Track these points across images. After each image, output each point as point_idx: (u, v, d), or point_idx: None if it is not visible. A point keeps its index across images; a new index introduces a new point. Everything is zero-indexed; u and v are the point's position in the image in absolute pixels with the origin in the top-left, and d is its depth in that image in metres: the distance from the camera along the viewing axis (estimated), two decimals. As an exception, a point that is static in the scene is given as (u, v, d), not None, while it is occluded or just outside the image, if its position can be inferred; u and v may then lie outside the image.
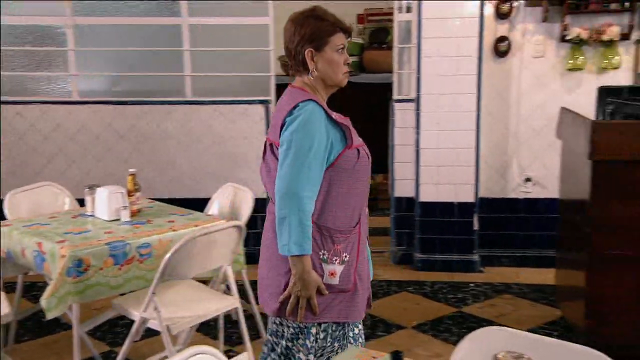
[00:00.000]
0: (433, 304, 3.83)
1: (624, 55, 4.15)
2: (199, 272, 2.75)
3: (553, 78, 4.29)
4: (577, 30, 4.06)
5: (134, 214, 3.00)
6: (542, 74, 4.30)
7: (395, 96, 4.48)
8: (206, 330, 3.37)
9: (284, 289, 1.97)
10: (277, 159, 1.94)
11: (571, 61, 4.18)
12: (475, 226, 4.36)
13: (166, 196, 4.25)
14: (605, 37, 4.02)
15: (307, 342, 1.99)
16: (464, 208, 4.35)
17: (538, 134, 4.37)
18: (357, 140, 1.99)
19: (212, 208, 3.41)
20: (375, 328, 3.50)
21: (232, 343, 3.28)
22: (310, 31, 1.95)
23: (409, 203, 4.50)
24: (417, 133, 4.30)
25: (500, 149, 4.46)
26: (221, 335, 3.07)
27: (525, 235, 4.52)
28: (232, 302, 2.82)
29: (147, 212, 3.12)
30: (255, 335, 3.31)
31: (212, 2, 4.48)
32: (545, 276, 4.06)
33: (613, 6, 3.99)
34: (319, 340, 1.99)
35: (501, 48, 4.25)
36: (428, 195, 4.37)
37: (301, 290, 1.92)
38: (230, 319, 3.11)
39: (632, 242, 2.85)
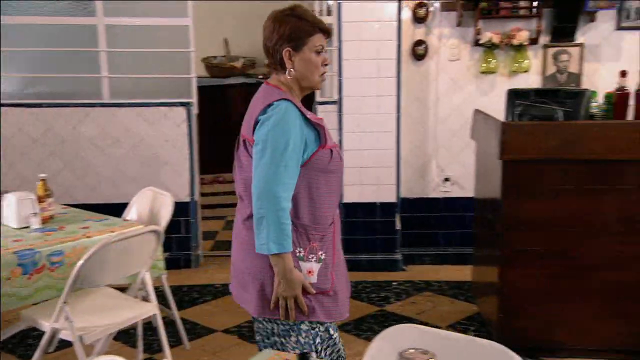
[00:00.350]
0: (357, 303, 3.88)
1: (533, 59, 4.34)
2: (114, 279, 2.68)
3: (468, 81, 4.44)
4: (489, 34, 4.21)
5: (45, 220, 2.89)
6: (458, 76, 4.44)
7: (318, 98, 4.51)
8: (125, 338, 3.28)
9: (263, 289, 1.96)
10: (250, 155, 1.93)
11: (484, 64, 4.34)
12: (398, 226, 4.45)
13: (85, 202, 4.12)
14: (515, 42, 4.19)
15: (300, 338, 1.99)
16: (387, 208, 4.43)
17: (455, 134, 4.51)
18: (331, 140, 1.99)
19: (131, 213, 3.33)
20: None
21: (152, 351, 3.21)
22: (289, 30, 1.93)
23: (332, 204, 4.53)
24: (340, 135, 4.35)
25: (420, 150, 4.57)
26: (140, 343, 3.00)
27: (445, 233, 4.65)
28: (150, 309, 2.76)
29: (60, 218, 3.01)
30: (176, 342, 3.25)
31: (130, 2, 4.38)
32: (464, 273, 4.18)
33: (522, 12, 4.16)
34: (310, 336, 1.99)
35: (419, 51, 4.36)
36: (352, 196, 4.42)
37: (286, 289, 1.91)
38: (151, 326, 3.05)
39: (540, 238, 2.99)
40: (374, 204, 4.44)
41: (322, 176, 1.96)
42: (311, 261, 1.95)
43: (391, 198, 4.42)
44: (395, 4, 4.13)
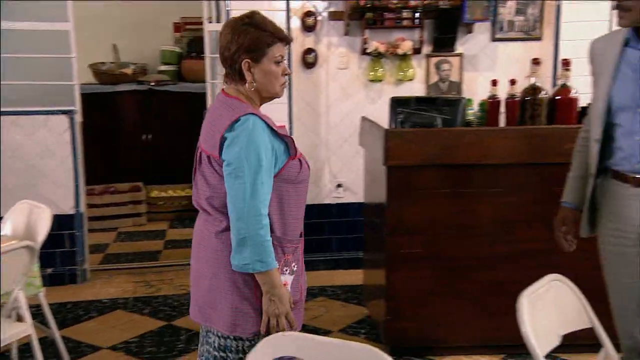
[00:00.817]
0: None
1: (417, 68, 4.51)
2: (-18, 300, 2.51)
3: (357, 89, 4.54)
4: (375, 44, 4.34)
5: None
6: (347, 84, 4.53)
7: (209, 106, 4.45)
8: (0, 362, 3.08)
9: (236, 306, 1.89)
10: (217, 173, 1.86)
11: (372, 73, 4.46)
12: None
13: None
14: (400, 51, 4.34)
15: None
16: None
17: (346, 141, 4.59)
18: (298, 150, 1.94)
19: (5, 228, 3.13)
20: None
21: (30, 373, 3.03)
22: (248, 41, 1.86)
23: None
24: (231, 143, 4.31)
25: (313, 157, 4.62)
26: (15, 366, 2.83)
27: (339, 238, 4.72)
28: (25, 329, 2.61)
29: None
30: (56, 362, 3.10)
31: (11, 3, 4.14)
32: (357, 277, 4.26)
33: (405, 23, 4.31)
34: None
35: (309, 59, 4.42)
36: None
37: (278, 307, 1.86)
38: (29, 347, 2.88)
39: (421, 241, 3.10)
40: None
41: (291, 187, 1.92)
42: (286, 274, 1.92)
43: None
44: (284, 13, 4.16)
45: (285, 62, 1.96)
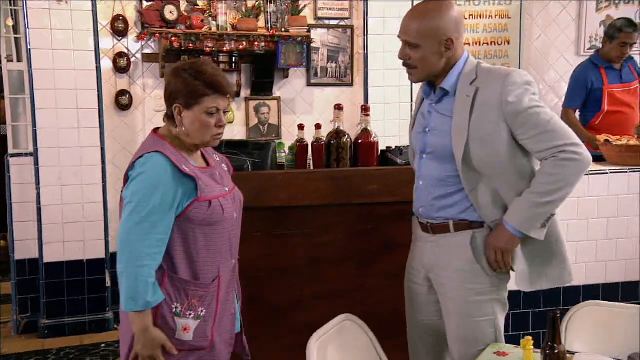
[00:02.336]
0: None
1: (237, 111, 4.55)
2: None
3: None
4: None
5: None
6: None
7: (10, 150, 4.12)
8: None
9: (130, 346, 1.89)
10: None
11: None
12: (108, 283, 4.22)
13: None
14: (218, 94, 4.34)
15: None
16: (95, 265, 4.18)
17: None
18: (214, 191, 1.88)
19: None
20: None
21: None
22: (180, 87, 1.89)
23: (32, 265, 4.14)
24: (38, 189, 4.01)
25: (131, 202, 4.43)
26: None
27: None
28: None
29: None
30: None
31: None
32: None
33: (222, 66, 4.34)
34: None
35: (123, 101, 4.27)
36: (53, 255, 4.08)
37: (143, 348, 1.83)
38: None
39: (235, 285, 3.05)
40: (80, 261, 4.15)
41: (199, 229, 1.87)
42: (188, 318, 1.86)
43: (100, 254, 4.18)
44: (92, 53, 3.99)
45: (223, 113, 1.95)
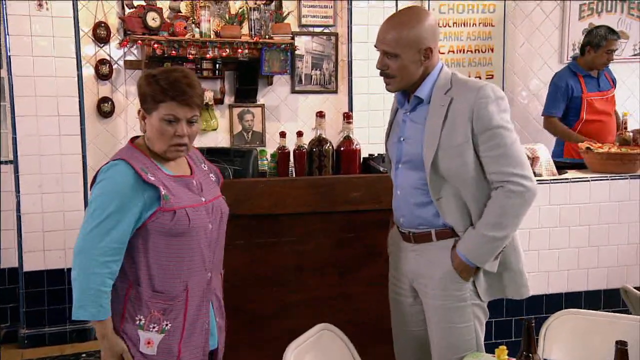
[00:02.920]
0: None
1: (221, 118, 4.52)
2: None
3: (159, 139, 4.42)
4: (175, 94, 4.27)
5: None
6: (148, 134, 4.40)
7: (-11, 159, 4.08)
8: None
9: None
10: None
11: (173, 123, 4.38)
12: (89, 291, 4.17)
13: None
14: (201, 101, 4.32)
15: None
16: (76, 274, 4.13)
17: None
18: (182, 201, 1.83)
19: None
20: None
21: None
22: (142, 91, 1.89)
23: (12, 274, 4.09)
24: (18, 197, 3.96)
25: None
26: None
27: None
28: None
29: None
30: None
31: None
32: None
33: (205, 73, 4.31)
34: None
35: (105, 108, 4.23)
36: (34, 264, 4.03)
37: (103, 355, 1.84)
38: None
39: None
40: (61, 270, 4.10)
41: (163, 239, 1.82)
42: (151, 331, 1.81)
43: (81, 263, 4.13)
44: (73, 60, 3.95)
45: (187, 123, 1.89)
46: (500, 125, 2.03)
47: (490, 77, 5.01)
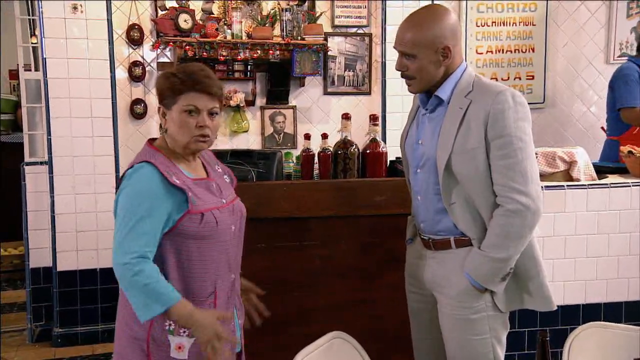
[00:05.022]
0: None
1: (252, 120, 4.49)
2: None
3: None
4: (206, 96, 4.27)
5: None
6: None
7: (27, 159, 4.17)
8: None
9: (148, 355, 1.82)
10: None
11: (204, 125, 4.38)
12: (121, 292, 4.21)
13: None
14: (232, 103, 4.31)
15: None
16: (108, 274, 4.17)
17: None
18: (208, 203, 1.83)
19: None
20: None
21: None
22: (161, 87, 1.87)
23: (46, 273, 4.16)
24: (52, 197, 4.03)
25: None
26: None
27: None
28: None
29: None
30: None
31: None
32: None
33: (237, 75, 4.29)
34: None
35: (137, 110, 4.26)
36: (67, 264, 4.09)
37: (202, 334, 1.75)
38: None
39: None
40: (93, 270, 4.16)
41: (193, 243, 1.81)
42: (182, 336, 1.80)
43: (112, 263, 4.17)
44: (107, 62, 4.00)
45: (209, 115, 1.87)
46: (514, 134, 1.94)
47: (530, 77, 4.83)
